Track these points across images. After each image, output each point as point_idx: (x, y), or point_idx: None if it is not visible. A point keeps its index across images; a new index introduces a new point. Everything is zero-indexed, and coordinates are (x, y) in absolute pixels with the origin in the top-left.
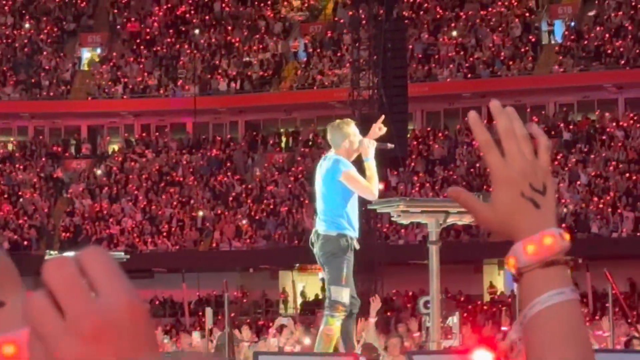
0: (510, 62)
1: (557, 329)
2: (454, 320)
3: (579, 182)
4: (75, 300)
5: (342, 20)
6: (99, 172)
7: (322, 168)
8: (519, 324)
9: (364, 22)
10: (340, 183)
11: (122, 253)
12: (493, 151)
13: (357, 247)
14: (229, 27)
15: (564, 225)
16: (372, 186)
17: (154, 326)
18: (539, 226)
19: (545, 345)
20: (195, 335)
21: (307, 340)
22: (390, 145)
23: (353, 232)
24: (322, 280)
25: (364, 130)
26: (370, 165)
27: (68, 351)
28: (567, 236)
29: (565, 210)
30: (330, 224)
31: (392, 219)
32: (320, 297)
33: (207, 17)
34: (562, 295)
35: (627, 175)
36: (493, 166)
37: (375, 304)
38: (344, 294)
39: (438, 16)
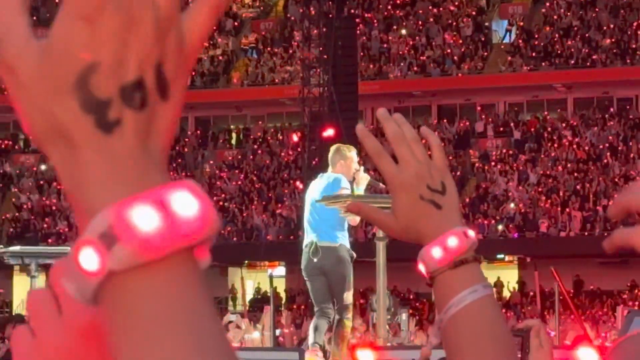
0: (462, 61)
1: (474, 328)
2: (402, 317)
3: (528, 182)
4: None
5: (293, 18)
6: (43, 167)
7: (319, 184)
8: (437, 328)
9: (314, 19)
10: None
11: (69, 248)
12: (385, 159)
13: (355, 255)
14: None
15: (512, 225)
16: None
17: None
18: (442, 227)
19: (464, 346)
20: None
21: (255, 335)
22: (382, 186)
23: (348, 243)
24: (270, 277)
25: (314, 126)
26: (357, 192)
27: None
28: (471, 232)
29: (513, 206)
30: (330, 235)
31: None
32: (269, 294)
33: None
34: (475, 294)
35: (576, 175)
36: (387, 174)
37: None
38: (350, 297)
39: (389, 14)
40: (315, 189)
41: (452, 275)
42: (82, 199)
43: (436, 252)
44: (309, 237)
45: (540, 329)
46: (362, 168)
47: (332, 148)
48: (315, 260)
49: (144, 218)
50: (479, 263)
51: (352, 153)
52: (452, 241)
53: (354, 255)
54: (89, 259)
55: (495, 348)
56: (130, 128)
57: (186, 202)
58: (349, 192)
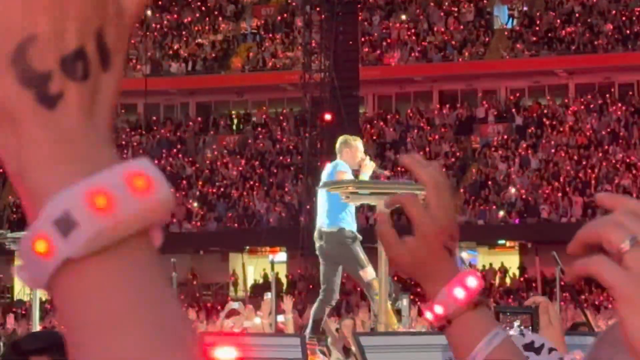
0: (463, 47)
1: None
2: (403, 303)
3: (529, 167)
4: None
5: (294, 3)
6: None
7: (324, 172)
8: None
9: (316, 4)
10: None
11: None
12: (418, 205)
13: (360, 238)
14: (181, 9)
15: (513, 210)
16: None
17: None
18: (454, 269)
19: None
20: None
21: (256, 321)
22: (387, 173)
23: (353, 227)
24: (272, 262)
25: (316, 112)
26: (362, 179)
27: None
28: (479, 273)
29: (514, 191)
30: (332, 221)
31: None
32: (270, 279)
33: None
34: (498, 336)
35: (577, 160)
36: (417, 220)
37: None
38: (370, 272)
39: (390, 0)
40: (322, 177)
41: (471, 317)
42: (30, 180)
43: (459, 293)
44: (317, 222)
45: (548, 305)
46: (367, 157)
47: (339, 139)
48: (319, 244)
49: (103, 201)
50: (489, 305)
51: (357, 143)
52: (472, 281)
53: (358, 236)
54: (45, 246)
55: None
56: (74, 101)
57: (142, 182)
58: (349, 175)
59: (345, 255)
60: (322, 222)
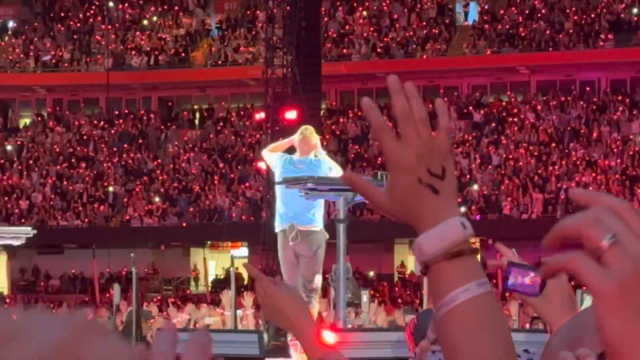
0: (425, 43)
1: (468, 325)
2: (363, 299)
3: (490, 164)
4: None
5: None
6: (9, 146)
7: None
8: (433, 323)
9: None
10: None
11: (29, 228)
12: (388, 135)
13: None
14: (143, 3)
15: (474, 207)
16: None
17: None
18: (439, 214)
19: (457, 343)
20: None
21: (214, 318)
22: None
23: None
24: (232, 257)
25: (277, 107)
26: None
27: None
28: (468, 224)
29: (475, 188)
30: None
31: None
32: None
33: None
34: (467, 293)
35: (538, 157)
36: (388, 151)
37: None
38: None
39: None
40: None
41: (446, 267)
42: None
43: (432, 242)
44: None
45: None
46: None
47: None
48: (291, 243)
49: None
50: (476, 254)
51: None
52: (449, 232)
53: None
54: None
55: (491, 345)
56: None
57: None
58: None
59: (318, 256)
60: (304, 220)
